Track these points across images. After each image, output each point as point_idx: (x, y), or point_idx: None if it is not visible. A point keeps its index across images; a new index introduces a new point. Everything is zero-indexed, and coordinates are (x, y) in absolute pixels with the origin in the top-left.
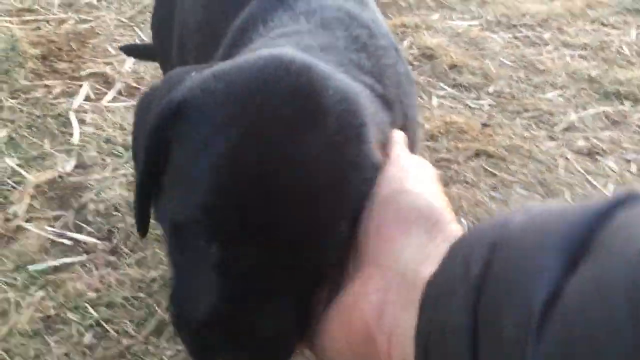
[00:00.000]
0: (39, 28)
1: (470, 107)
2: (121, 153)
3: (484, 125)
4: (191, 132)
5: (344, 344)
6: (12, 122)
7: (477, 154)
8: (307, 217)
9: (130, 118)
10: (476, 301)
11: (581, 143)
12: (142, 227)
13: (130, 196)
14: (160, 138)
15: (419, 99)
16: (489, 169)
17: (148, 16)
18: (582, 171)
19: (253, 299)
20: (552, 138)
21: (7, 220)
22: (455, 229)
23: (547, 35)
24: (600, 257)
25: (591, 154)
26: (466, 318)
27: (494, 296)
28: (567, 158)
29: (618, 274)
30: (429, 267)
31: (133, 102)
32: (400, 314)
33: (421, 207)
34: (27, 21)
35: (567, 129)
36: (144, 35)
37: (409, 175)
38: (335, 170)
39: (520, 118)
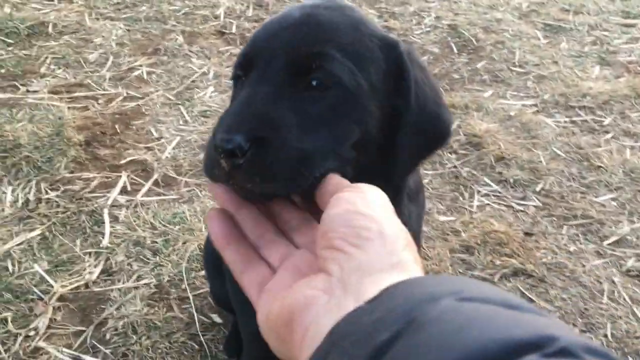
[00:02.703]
0: (86, 108)
1: (514, 209)
2: (148, 259)
3: (527, 234)
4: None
5: (271, 318)
6: (48, 218)
7: (515, 273)
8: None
9: (162, 214)
10: None
11: (631, 263)
12: None
13: (149, 312)
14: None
15: (459, 196)
16: (526, 292)
17: (195, 92)
18: (629, 301)
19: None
20: (599, 254)
21: (28, 337)
22: (407, 260)
23: (607, 121)
24: None
25: None
26: None
27: None
28: (613, 281)
29: None
30: (368, 290)
31: (167, 196)
32: (321, 316)
33: (372, 229)
34: (77, 98)
35: (617, 243)
36: (188, 116)
37: (364, 198)
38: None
39: (567, 226)
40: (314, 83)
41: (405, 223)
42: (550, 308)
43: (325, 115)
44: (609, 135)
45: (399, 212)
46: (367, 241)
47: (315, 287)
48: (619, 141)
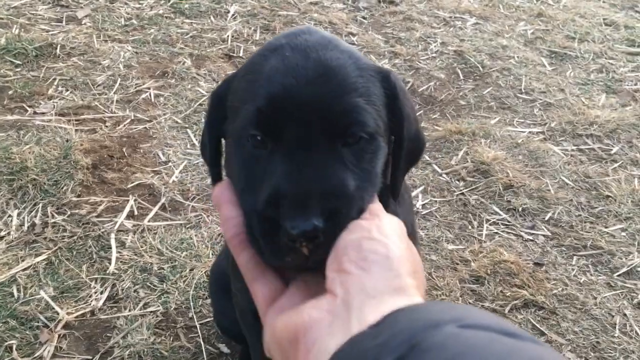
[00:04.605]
0: (94, 130)
1: (523, 238)
2: (155, 286)
3: (537, 264)
4: (243, 78)
5: (276, 335)
6: (55, 243)
7: (526, 304)
8: (327, 94)
9: (169, 240)
10: None
11: None
12: (216, 175)
13: (156, 342)
14: (219, 101)
15: (467, 224)
16: (537, 325)
17: (202, 115)
18: None
19: (306, 170)
20: (610, 286)
21: None
22: (409, 285)
23: (615, 150)
24: None
25: None
26: None
27: None
28: (625, 314)
29: None
30: (371, 313)
31: (174, 221)
32: (325, 337)
33: (380, 253)
34: (84, 121)
35: (628, 275)
36: (195, 140)
37: (379, 226)
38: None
39: (577, 257)
40: (349, 137)
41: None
42: (562, 341)
43: (364, 166)
44: (616, 165)
45: (388, 211)
46: (373, 264)
47: (320, 308)
48: (627, 170)
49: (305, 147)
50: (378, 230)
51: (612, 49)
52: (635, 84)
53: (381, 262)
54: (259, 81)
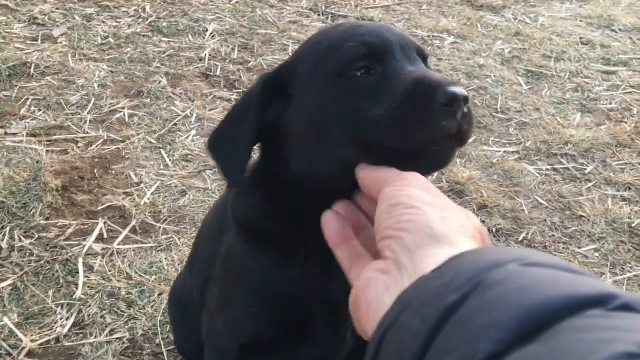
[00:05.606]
0: (65, 151)
1: None
2: (122, 311)
3: None
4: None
5: (351, 308)
6: (21, 267)
7: None
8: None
9: (138, 263)
10: (440, 324)
11: None
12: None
13: None
14: (276, 82)
15: None
16: None
17: (177, 136)
18: None
19: None
20: None
21: None
22: (446, 232)
23: (589, 169)
24: (549, 345)
25: None
26: (427, 331)
27: (454, 329)
28: None
29: None
30: (420, 264)
31: (144, 243)
32: (381, 293)
33: (410, 213)
34: (56, 141)
35: None
36: (169, 160)
37: (403, 189)
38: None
39: None
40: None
41: None
42: None
43: None
44: (590, 184)
45: None
46: (408, 223)
47: (373, 269)
48: (601, 190)
49: (410, 62)
50: (403, 194)
51: (587, 68)
52: (610, 103)
53: (415, 219)
54: (341, 34)
